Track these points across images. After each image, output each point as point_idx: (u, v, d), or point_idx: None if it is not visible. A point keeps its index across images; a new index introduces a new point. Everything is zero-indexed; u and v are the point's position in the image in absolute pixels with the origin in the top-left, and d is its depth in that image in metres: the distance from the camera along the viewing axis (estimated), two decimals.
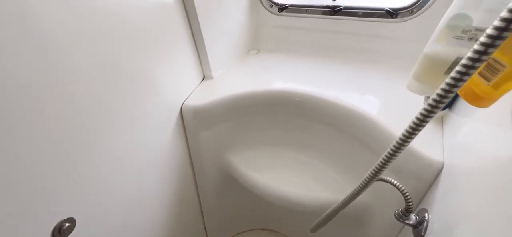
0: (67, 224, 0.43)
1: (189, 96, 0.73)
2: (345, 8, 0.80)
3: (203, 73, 0.80)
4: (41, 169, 0.38)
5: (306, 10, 0.87)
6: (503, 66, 0.30)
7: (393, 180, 0.47)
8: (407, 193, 0.43)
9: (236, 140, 0.85)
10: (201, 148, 0.80)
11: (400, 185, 0.45)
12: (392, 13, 0.73)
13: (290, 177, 0.82)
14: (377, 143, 0.61)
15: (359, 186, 0.44)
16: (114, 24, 0.46)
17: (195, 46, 0.73)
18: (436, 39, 0.38)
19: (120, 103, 0.50)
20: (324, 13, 0.84)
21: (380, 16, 0.77)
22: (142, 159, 0.61)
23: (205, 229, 1.07)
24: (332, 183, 0.78)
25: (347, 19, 0.82)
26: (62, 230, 0.43)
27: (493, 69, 0.31)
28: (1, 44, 0.31)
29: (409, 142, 0.32)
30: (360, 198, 0.49)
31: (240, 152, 0.87)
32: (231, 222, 1.13)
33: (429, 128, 0.54)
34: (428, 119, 0.29)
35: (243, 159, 0.87)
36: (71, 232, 0.44)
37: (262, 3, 0.93)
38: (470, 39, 0.34)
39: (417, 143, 0.51)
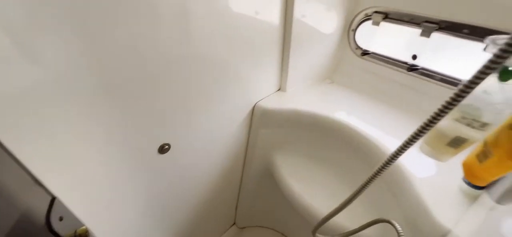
0: (166, 146, 0.70)
1: (263, 98, 0.93)
2: (423, 68, 0.83)
3: (280, 85, 0.99)
4: (164, 109, 0.65)
5: (386, 60, 0.94)
6: (492, 154, 0.37)
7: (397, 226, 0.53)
8: None
9: (286, 145, 0.99)
10: (256, 143, 0.98)
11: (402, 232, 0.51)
12: None
13: (324, 196, 0.86)
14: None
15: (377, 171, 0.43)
16: (233, 29, 0.66)
17: (282, 62, 0.91)
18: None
19: (217, 87, 0.74)
20: (401, 67, 0.90)
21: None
22: (213, 132, 0.83)
23: (236, 207, 1.27)
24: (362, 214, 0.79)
25: (423, 79, 0.85)
26: (163, 149, 0.70)
27: (485, 154, 0.38)
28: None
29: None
30: None
31: (286, 157, 0.99)
32: (260, 213, 1.28)
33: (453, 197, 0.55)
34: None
35: (286, 164, 0.97)
36: (167, 151, 0.71)
37: (349, 44, 1.05)
38: (474, 127, 0.39)
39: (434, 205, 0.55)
